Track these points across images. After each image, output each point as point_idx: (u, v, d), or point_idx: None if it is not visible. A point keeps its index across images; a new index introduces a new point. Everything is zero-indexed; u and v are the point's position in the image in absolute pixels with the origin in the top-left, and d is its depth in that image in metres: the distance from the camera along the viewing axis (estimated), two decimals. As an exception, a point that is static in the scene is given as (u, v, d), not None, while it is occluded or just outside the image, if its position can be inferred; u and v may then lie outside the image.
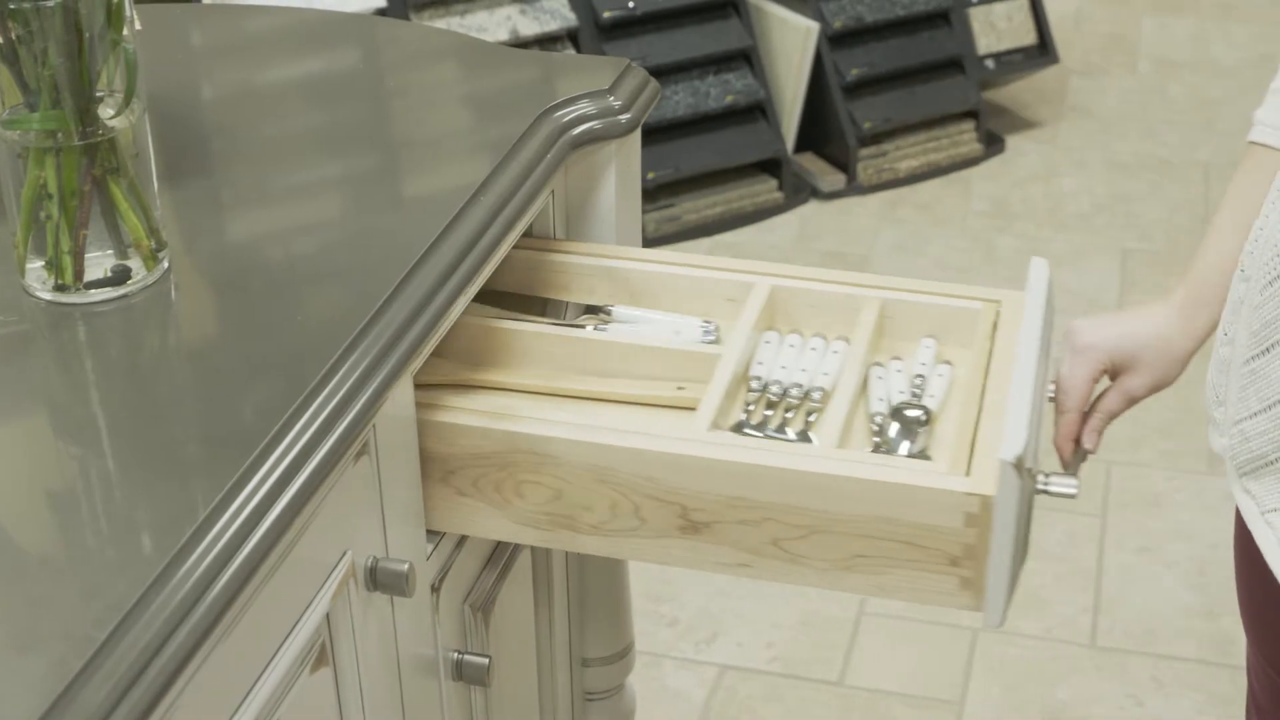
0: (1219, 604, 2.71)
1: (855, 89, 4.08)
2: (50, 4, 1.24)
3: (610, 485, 1.37)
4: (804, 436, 1.44)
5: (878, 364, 1.54)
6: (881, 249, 3.82)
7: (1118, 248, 3.83)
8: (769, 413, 1.48)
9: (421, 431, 1.40)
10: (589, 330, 1.56)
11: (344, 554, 1.26)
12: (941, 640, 2.65)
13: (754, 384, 1.51)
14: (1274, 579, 1.39)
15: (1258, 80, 1.32)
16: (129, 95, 1.32)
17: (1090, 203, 4.02)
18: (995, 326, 1.54)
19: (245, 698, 1.13)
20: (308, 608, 1.21)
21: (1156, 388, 1.51)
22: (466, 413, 1.41)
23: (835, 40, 4.06)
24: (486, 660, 1.52)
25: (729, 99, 3.89)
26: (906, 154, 4.13)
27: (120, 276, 1.35)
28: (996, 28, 4.32)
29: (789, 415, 1.48)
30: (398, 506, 1.35)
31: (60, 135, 1.30)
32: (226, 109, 1.74)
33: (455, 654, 1.52)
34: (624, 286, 1.62)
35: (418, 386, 1.40)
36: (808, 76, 4.01)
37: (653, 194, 3.84)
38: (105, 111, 1.32)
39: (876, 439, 1.45)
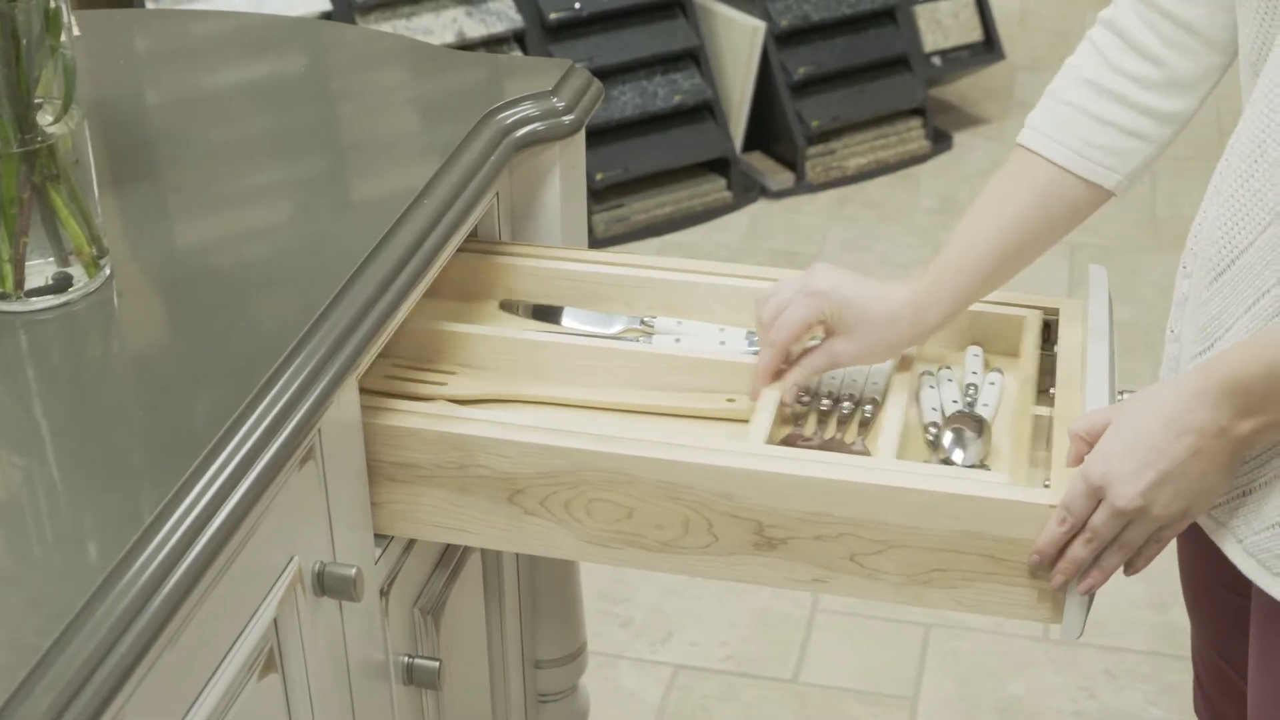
0: (1168, 596, 2.72)
1: (803, 88, 4.08)
2: (-13, 11, 1.24)
3: (683, 503, 1.36)
4: (864, 448, 1.44)
5: (928, 373, 1.54)
6: (831, 247, 3.83)
7: (1065, 242, 3.83)
8: (822, 424, 1.48)
9: (483, 448, 1.39)
10: (635, 342, 1.56)
11: (290, 559, 1.26)
12: (894, 636, 2.66)
13: (803, 395, 1.50)
14: (1215, 564, 1.39)
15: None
16: (67, 102, 1.32)
17: (1038, 198, 4.03)
18: (1046, 333, 1.55)
19: (192, 705, 1.13)
20: (254, 614, 1.21)
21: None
22: (533, 430, 1.39)
23: (782, 39, 4.06)
24: (437, 664, 1.52)
25: (677, 99, 3.89)
26: (855, 152, 4.14)
27: (61, 284, 1.34)
28: (943, 25, 4.34)
29: (843, 427, 1.48)
30: (345, 511, 1.34)
31: (-2, 142, 1.29)
32: (172, 114, 1.73)
33: (406, 658, 1.52)
34: (579, 288, 1.62)
35: (463, 403, 1.41)
36: (755, 76, 4.01)
37: (601, 195, 3.84)
38: (44, 118, 1.31)
39: (932, 447, 1.45)
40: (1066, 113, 1.43)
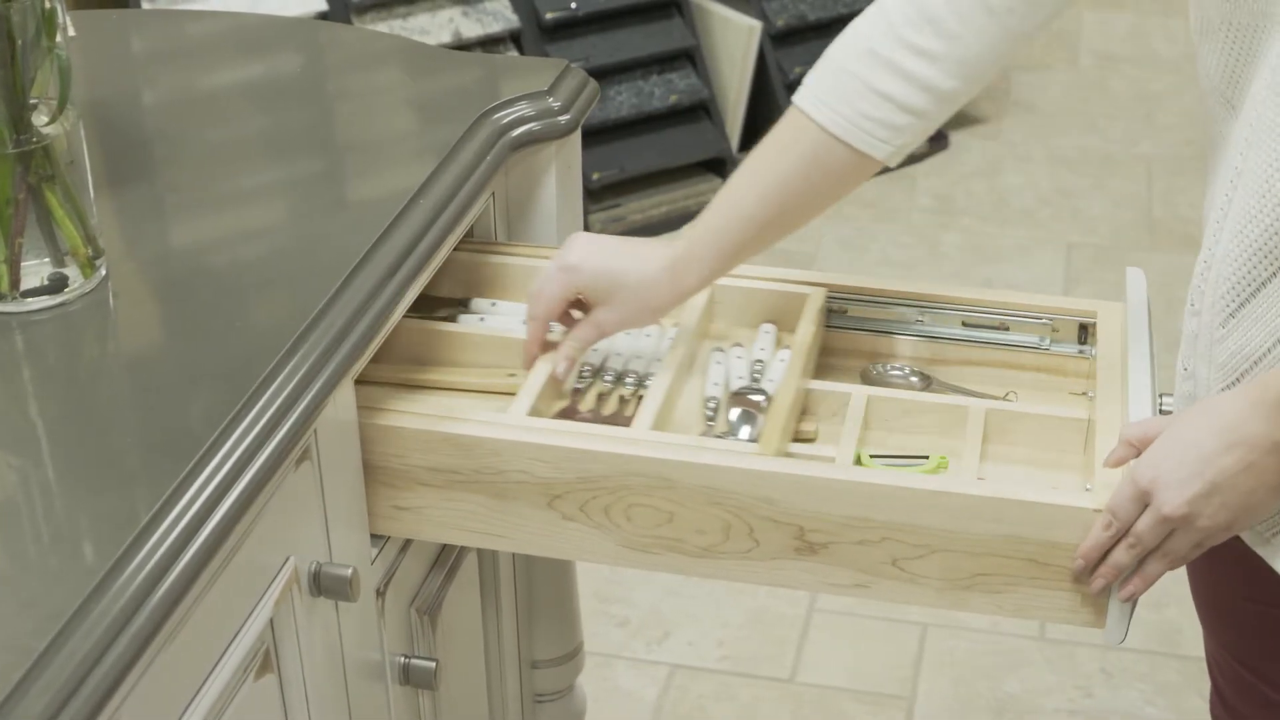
0: (1164, 595, 2.72)
1: (799, 87, 4.08)
2: (-18, 11, 1.24)
3: (724, 508, 1.36)
4: (620, 418, 1.46)
5: (719, 349, 1.56)
6: (827, 246, 3.83)
7: (1062, 242, 3.84)
8: (603, 400, 1.50)
9: (521, 453, 1.39)
10: (438, 323, 1.58)
11: (286, 560, 1.26)
12: (891, 635, 2.66)
13: (585, 371, 1.53)
14: (1232, 574, 1.38)
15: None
16: (62, 102, 1.32)
17: (1034, 197, 4.04)
18: (1083, 336, 1.56)
19: (188, 706, 1.13)
20: (250, 614, 1.21)
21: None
22: (571, 435, 1.39)
23: (778, 39, 4.06)
24: (434, 664, 1.52)
25: (673, 99, 3.89)
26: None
27: (57, 285, 1.34)
28: (939, 24, 4.34)
29: (625, 401, 1.49)
30: (341, 511, 1.34)
31: (-6, 143, 1.29)
32: (167, 114, 1.73)
33: (402, 658, 1.52)
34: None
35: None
36: (751, 75, 4.01)
37: (598, 194, 3.83)
38: (39, 119, 1.31)
39: (710, 422, 1.47)
40: (844, 80, 1.40)
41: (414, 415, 1.40)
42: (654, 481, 1.36)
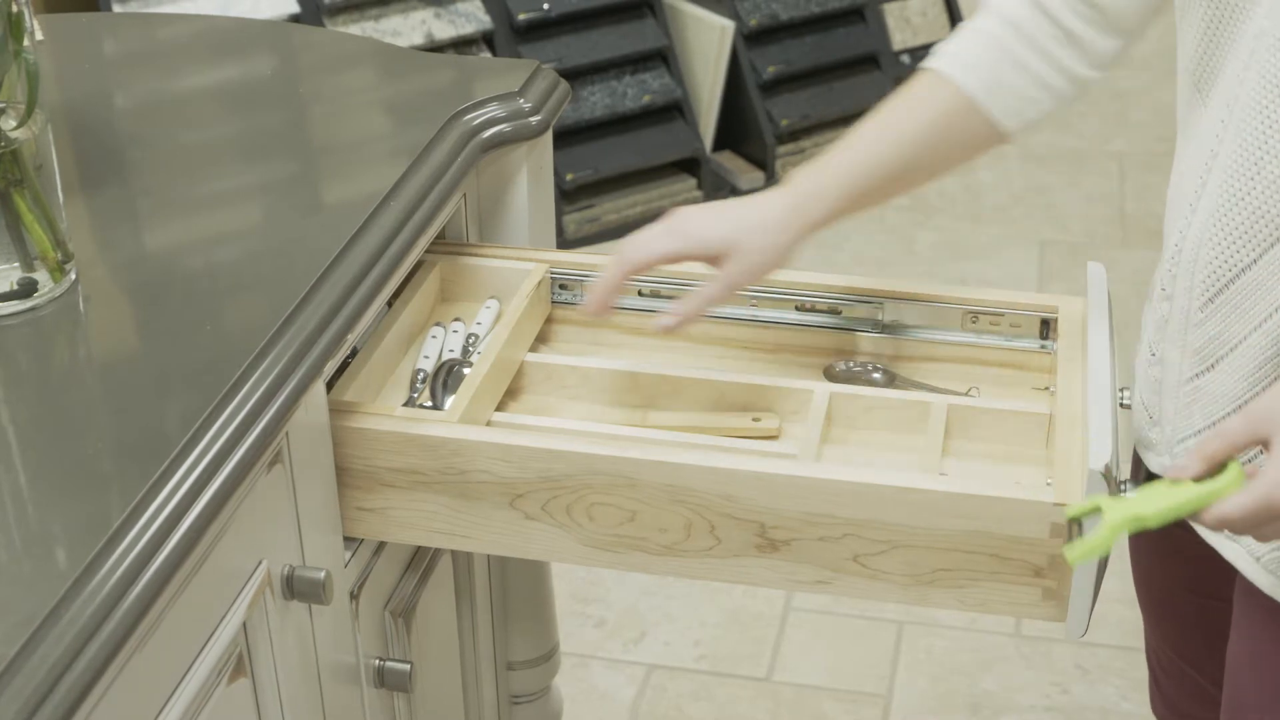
0: (1141, 590, 2.73)
1: (772, 87, 4.09)
2: (-51, 16, 1.23)
3: (685, 505, 1.36)
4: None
5: (439, 324, 1.59)
6: (801, 245, 3.83)
7: (1035, 239, 3.85)
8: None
9: (482, 453, 1.38)
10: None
11: (259, 563, 1.25)
12: (867, 634, 2.66)
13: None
14: (1172, 567, 1.39)
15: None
16: (31, 106, 1.31)
17: (1008, 194, 4.04)
18: (1045, 331, 1.56)
19: (161, 710, 1.12)
20: (223, 618, 1.21)
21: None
22: (533, 434, 1.39)
23: (751, 38, 4.07)
24: (409, 666, 1.52)
25: (646, 99, 3.89)
26: (825, 150, 4.14)
27: (26, 289, 1.34)
28: (911, 23, 4.35)
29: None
30: (314, 514, 1.34)
31: (-38, 148, 1.29)
32: (138, 118, 1.73)
33: (377, 661, 1.51)
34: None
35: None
36: (724, 75, 4.02)
37: (572, 195, 3.83)
38: (7, 123, 1.31)
39: (414, 394, 1.49)
40: (986, 45, 1.42)
41: (377, 416, 1.40)
42: (615, 480, 1.36)
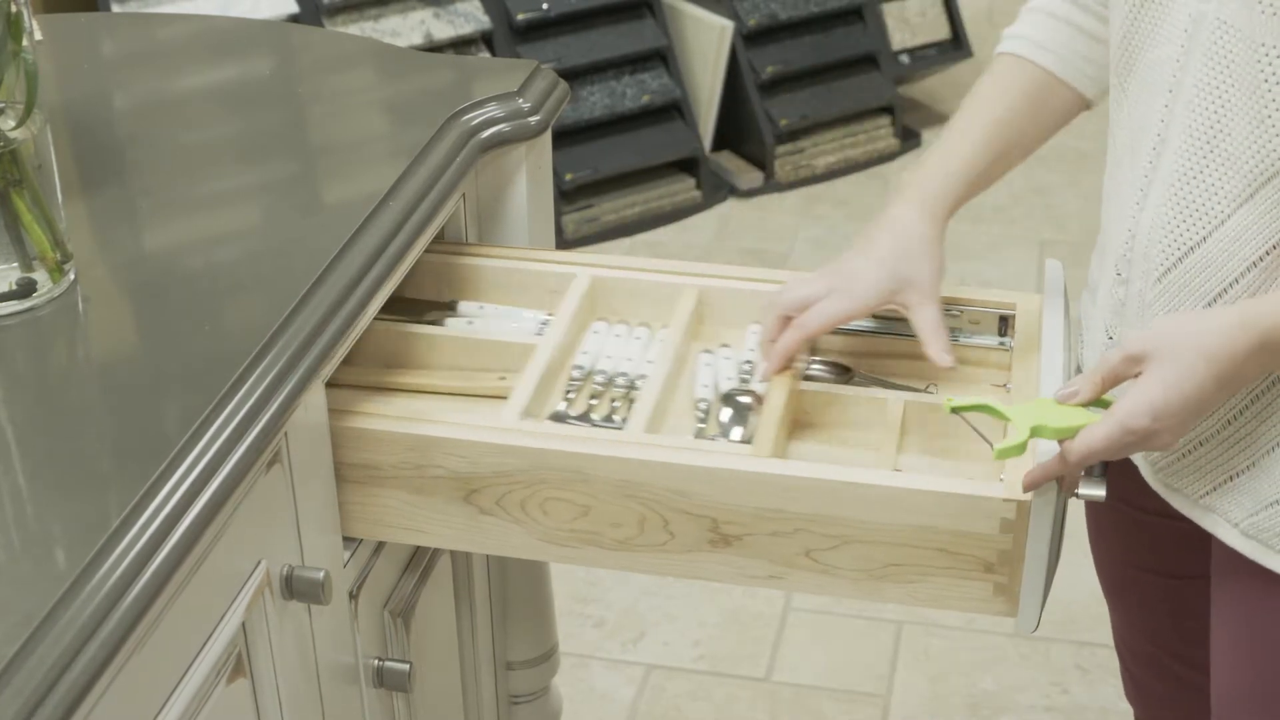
0: (1140, 590, 2.73)
1: (771, 87, 4.09)
2: (-53, 16, 1.23)
3: (639, 500, 1.36)
4: (609, 420, 1.45)
5: (706, 351, 1.56)
6: (801, 246, 3.83)
7: (1035, 239, 3.86)
8: (594, 401, 1.49)
9: (438, 448, 1.39)
10: (420, 326, 1.57)
11: (258, 563, 1.25)
12: (866, 634, 2.66)
13: (575, 374, 1.52)
14: (1132, 550, 1.40)
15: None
16: (30, 107, 1.31)
17: (1007, 195, 4.04)
18: (1003, 328, 1.56)
19: (160, 710, 1.12)
20: (222, 618, 1.21)
21: (939, 279, 1.48)
22: (486, 430, 1.39)
23: (750, 38, 4.07)
24: (408, 666, 1.52)
25: (645, 99, 3.89)
26: (823, 150, 4.15)
27: (25, 289, 1.34)
28: (910, 23, 4.35)
29: (616, 404, 1.49)
30: (313, 514, 1.34)
31: (-39, 148, 1.29)
32: (138, 118, 1.73)
33: (376, 661, 1.51)
34: (544, 288, 1.62)
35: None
36: (723, 75, 4.02)
37: (571, 195, 3.83)
38: (6, 123, 1.31)
39: (701, 424, 1.47)
40: (1050, 22, 1.48)
41: (331, 413, 1.40)
42: (569, 475, 1.37)
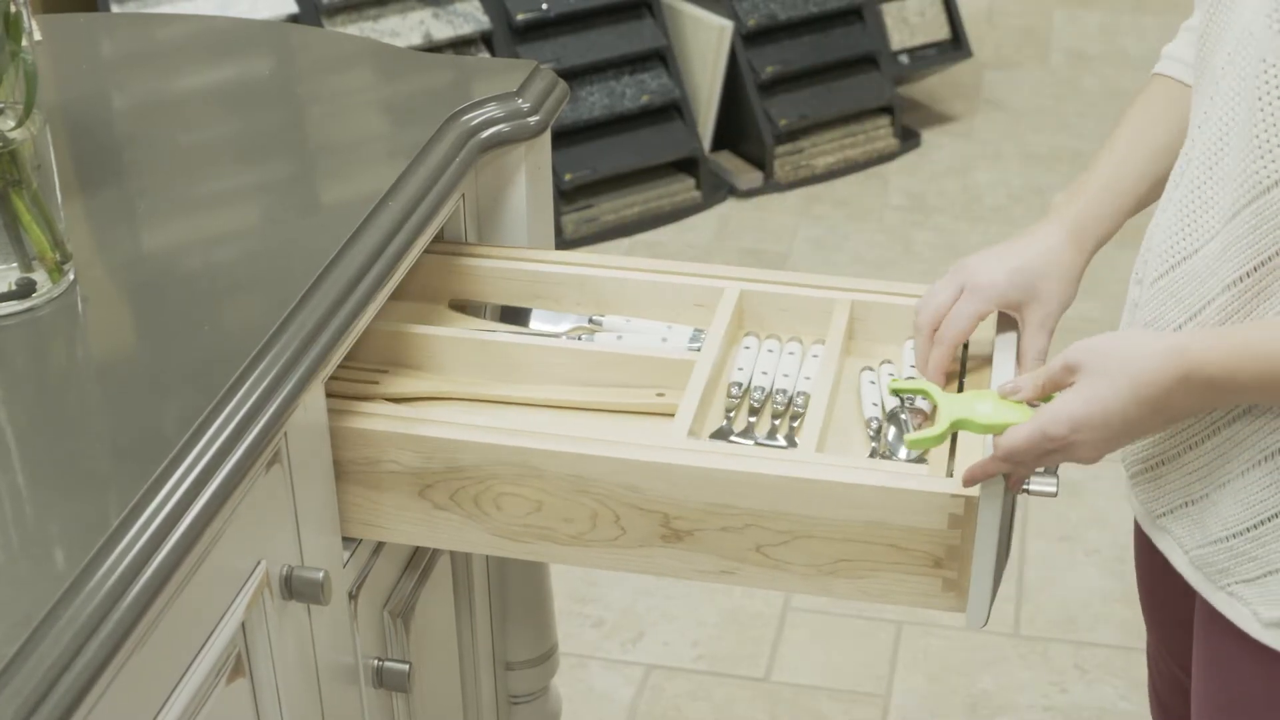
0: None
1: (770, 87, 4.09)
2: (-53, 16, 1.23)
3: (591, 495, 1.37)
4: (791, 441, 1.44)
5: (868, 368, 1.55)
6: (800, 246, 3.83)
7: (1034, 239, 3.85)
8: (753, 419, 1.48)
9: (392, 444, 1.39)
10: (578, 340, 1.56)
11: (258, 563, 1.25)
12: (866, 634, 2.66)
13: (734, 390, 1.51)
14: (1167, 570, 1.40)
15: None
16: (29, 107, 1.31)
17: (1006, 195, 4.05)
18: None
19: (159, 710, 1.13)
20: (222, 618, 1.21)
21: (1061, 312, 1.47)
22: (441, 425, 1.40)
23: (749, 38, 4.07)
24: (407, 666, 1.52)
25: (645, 99, 3.89)
26: (823, 150, 4.15)
27: (25, 290, 1.34)
28: (909, 23, 4.34)
29: (776, 422, 1.48)
30: (312, 514, 1.34)
31: (-40, 148, 1.29)
32: (137, 118, 1.73)
33: (375, 661, 1.51)
34: (544, 288, 1.62)
35: (398, 401, 1.41)
36: (723, 75, 4.02)
37: (570, 195, 3.83)
38: (5, 123, 1.31)
39: (874, 444, 1.46)
40: None
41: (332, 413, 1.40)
42: (521, 470, 1.37)
